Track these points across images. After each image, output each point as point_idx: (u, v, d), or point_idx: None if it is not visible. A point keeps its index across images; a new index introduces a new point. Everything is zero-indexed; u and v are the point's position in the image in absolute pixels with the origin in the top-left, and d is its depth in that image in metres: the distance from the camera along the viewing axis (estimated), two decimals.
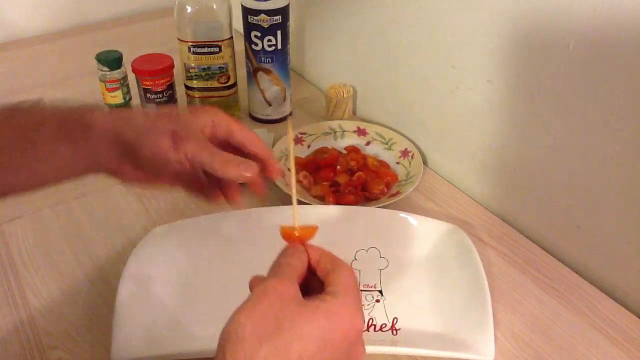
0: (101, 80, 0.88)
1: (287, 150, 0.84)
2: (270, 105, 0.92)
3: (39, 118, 0.49)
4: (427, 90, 0.81)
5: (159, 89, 0.88)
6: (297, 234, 0.46)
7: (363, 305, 0.62)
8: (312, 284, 0.44)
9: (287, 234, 0.47)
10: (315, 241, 0.67)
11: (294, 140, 0.86)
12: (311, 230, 0.47)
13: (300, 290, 0.41)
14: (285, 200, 0.75)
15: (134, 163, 0.50)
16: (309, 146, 0.86)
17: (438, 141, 0.83)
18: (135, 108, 0.51)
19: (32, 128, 0.47)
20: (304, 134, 0.87)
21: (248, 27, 0.86)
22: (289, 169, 0.50)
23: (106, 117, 0.49)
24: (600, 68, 0.58)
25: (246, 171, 0.50)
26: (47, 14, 1.25)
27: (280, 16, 0.85)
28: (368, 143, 0.88)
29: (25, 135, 0.47)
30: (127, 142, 0.48)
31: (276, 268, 0.42)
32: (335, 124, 0.90)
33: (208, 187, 0.55)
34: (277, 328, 0.37)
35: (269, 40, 0.86)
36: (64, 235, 0.72)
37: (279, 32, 0.86)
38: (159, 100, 0.88)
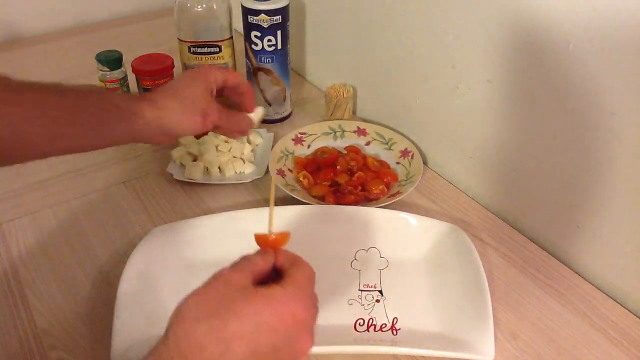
0: (101, 80, 0.88)
1: (286, 150, 0.84)
2: (270, 105, 0.92)
3: (100, 100, 0.60)
4: (427, 90, 0.81)
5: None
6: (272, 238, 0.49)
7: (363, 305, 0.62)
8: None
9: (260, 240, 0.49)
10: (316, 241, 0.67)
11: (294, 140, 0.86)
12: (283, 236, 0.49)
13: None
14: (285, 200, 0.75)
15: (169, 135, 0.63)
16: (309, 146, 0.86)
17: (438, 141, 0.83)
18: (160, 90, 0.64)
19: (103, 108, 0.59)
20: (304, 134, 0.87)
21: (248, 27, 0.86)
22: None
23: (152, 111, 0.60)
24: (600, 68, 0.58)
25: (248, 124, 0.70)
26: (47, 14, 1.25)
27: (280, 16, 0.85)
28: (368, 143, 0.88)
29: (96, 113, 0.58)
30: (170, 127, 0.62)
31: (236, 261, 0.46)
32: (335, 124, 0.90)
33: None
34: (216, 309, 0.40)
35: (269, 40, 0.86)
36: (64, 235, 0.72)
37: (279, 32, 0.86)
38: None
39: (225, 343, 0.39)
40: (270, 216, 0.51)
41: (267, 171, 0.79)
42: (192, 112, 0.63)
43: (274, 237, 0.49)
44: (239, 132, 0.71)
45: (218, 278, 0.43)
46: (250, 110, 0.71)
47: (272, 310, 0.41)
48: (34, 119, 0.55)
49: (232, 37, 0.88)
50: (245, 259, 0.46)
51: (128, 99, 0.62)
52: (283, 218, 0.68)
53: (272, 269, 0.47)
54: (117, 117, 0.59)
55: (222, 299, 0.41)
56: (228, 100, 0.70)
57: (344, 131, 0.89)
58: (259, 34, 0.86)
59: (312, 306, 0.45)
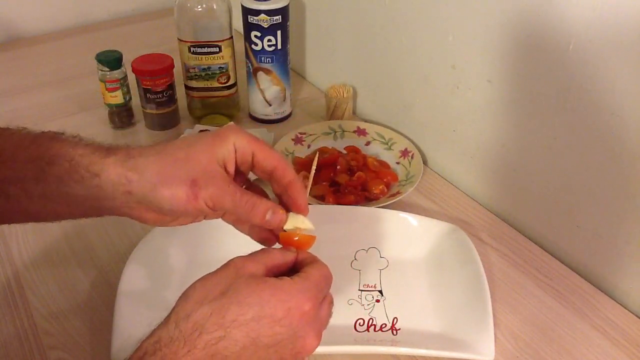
0: (101, 80, 0.88)
1: (286, 150, 0.84)
2: (270, 105, 0.92)
3: (53, 154, 0.45)
4: (427, 90, 0.81)
5: (159, 89, 0.88)
6: (296, 239, 0.49)
7: (363, 305, 0.62)
8: None
9: (285, 238, 0.49)
10: (317, 239, 0.67)
11: (294, 140, 0.86)
12: (308, 238, 0.49)
13: None
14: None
15: (152, 209, 0.46)
16: (309, 146, 0.86)
17: (438, 141, 0.83)
18: (146, 147, 0.46)
19: (46, 162, 0.45)
20: (304, 134, 0.87)
21: (248, 27, 0.86)
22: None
23: (117, 168, 0.44)
24: (600, 68, 0.58)
25: (272, 220, 0.47)
26: (47, 14, 1.25)
27: (280, 16, 0.85)
28: (368, 143, 0.88)
29: (40, 168, 0.45)
30: (142, 195, 0.45)
31: (253, 252, 0.45)
32: (335, 124, 0.90)
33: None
34: (222, 293, 0.40)
35: (269, 40, 0.86)
36: (64, 235, 0.72)
37: (279, 32, 0.86)
38: (159, 100, 0.88)
39: (224, 328, 0.38)
40: (308, 186, 0.52)
41: None
42: (176, 181, 0.44)
43: (297, 238, 0.49)
44: (261, 232, 0.50)
45: (229, 264, 0.42)
46: (296, 209, 0.49)
47: (277, 301, 0.40)
48: None
49: (232, 37, 0.88)
50: (263, 250, 0.45)
51: (91, 149, 0.45)
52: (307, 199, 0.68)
53: (290, 267, 0.46)
54: (64, 173, 0.44)
55: (228, 284, 0.40)
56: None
57: (344, 131, 0.89)
58: (259, 34, 0.86)
59: (324, 305, 0.44)
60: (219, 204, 0.46)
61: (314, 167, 0.56)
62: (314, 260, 0.46)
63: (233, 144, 0.46)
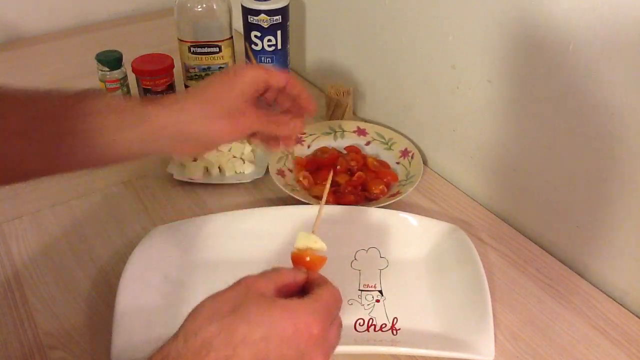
0: (101, 80, 0.88)
1: (287, 151, 0.84)
2: (270, 105, 0.92)
3: (103, 106, 0.53)
4: (427, 90, 0.81)
5: (159, 89, 0.88)
6: (307, 259, 0.48)
7: (363, 305, 0.62)
8: None
9: (296, 259, 0.49)
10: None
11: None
12: (319, 259, 0.49)
13: None
14: (287, 200, 0.75)
15: (196, 144, 0.56)
16: (309, 146, 0.86)
17: (438, 141, 0.83)
18: (182, 92, 0.59)
19: (97, 113, 0.52)
20: (304, 134, 0.87)
21: (248, 27, 0.86)
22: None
23: (160, 112, 0.53)
24: (600, 68, 0.58)
25: (296, 129, 0.59)
26: (47, 14, 1.25)
27: (280, 16, 0.85)
28: (368, 143, 0.88)
29: (91, 120, 0.51)
30: (188, 132, 0.54)
31: (265, 270, 0.44)
32: (335, 124, 0.90)
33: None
34: (231, 312, 0.39)
35: (269, 40, 0.86)
36: (64, 235, 0.72)
37: (279, 32, 0.86)
38: None
39: (232, 347, 0.38)
40: (318, 216, 0.52)
41: (267, 171, 0.79)
42: (218, 115, 0.54)
43: (309, 259, 0.48)
44: (284, 139, 0.60)
45: (241, 282, 0.42)
46: (308, 113, 0.60)
47: (286, 321, 0.40)
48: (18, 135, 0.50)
49: (232, 37, 0.88)
50: (274, 270, 0.45)
51: (135, 102, 0.55)
52: (283, 218, 0.68)
53: (300, 287, 0.45)
54: (119, 122, 0.51)
55: (238, 302, 0.40)
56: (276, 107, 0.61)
57: (344, 131, 0.89)
58: (259, 34, 0.86)
59: (332, 328, 0.43)
60: (253, 128, 0.57)
61: (328, 185, 0.55)
62: (324, 282, 0.45)
63: (250, 76, 0.56)
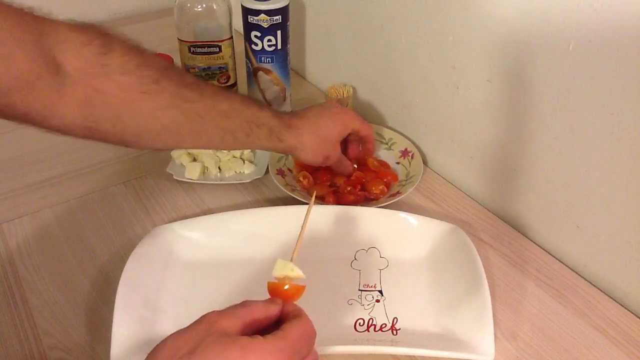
0: None
1: None
2: (270, 105, 0.92)
3: (260, 121, 0.65)
4: (427, 90, 0.81)
5: None
6: (284, 289, 0.47)
7: (363, 305, 0.62)
8: None
9: (273, 289, 0.47)
10: (316, 241, 0.67)
11: None
12: (297, 289, 0.47)
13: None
14: (287, 201, 0.75)
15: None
16: None
17: (438, 141, 0.83)
18: (299, 114, 0.71)
19: (256, 124, 0.64)
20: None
21: (248, 27, 0.86)
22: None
23: (292, 139, 0.68)
24: (600, 68, 0.58)
25: (348, 173, 0.78)
26: (47, 14, 1.24)
27: (280, 16, 0.85)
28: None
29: (250, 128, 0.64)
30: (301, 156, 0.71)
31: (231, 305, 0.43)
32: None
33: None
34: (189, 353, 0.38)
35: (269, 40, 0.86)
36: (64, 235, 0.72)
37: (279, 32, 0.86)
38: None
39: None
40: (297, 243, 0.50)
41: (267, 171, 0.79)
42: (321, 153, 0.70)
43: (287, 288, 0.47)
44: (341, 174, 0.78)
45: (203, 320, 0.41)
46: (367, 153, 0.79)
47: None
48: (195, 118, 0.60)
49: (232, 37, 0.88)
50: (243, 304, 0.43)
51: (279, 121, 0.66)
52: (283, 218, 0.68)
53: (273, 321, 0.44)
54: (264, 136, 0.65)
55: (198, 341, 0.39)
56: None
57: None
58: (259, 34, 0.86)
59: None
60: (331, 163, 0.74)
61: (309, 210, 0.55)
62: (296, 316, 0.43)
63: (352, 125, 0.73)
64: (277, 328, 0.42)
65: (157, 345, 0.39)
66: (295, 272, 0.47)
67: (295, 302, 0.46)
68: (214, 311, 0.41)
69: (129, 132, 0.57)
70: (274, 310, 0.43)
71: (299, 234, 0.52)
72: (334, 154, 0.72)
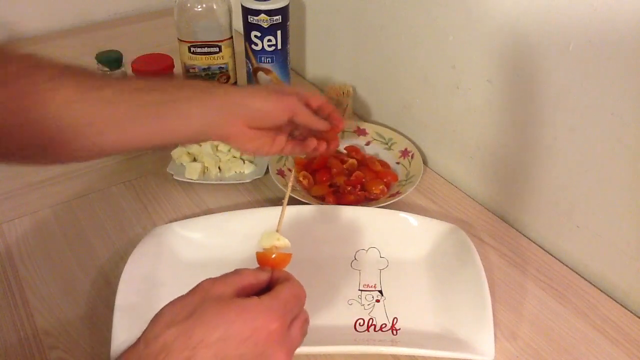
0: None
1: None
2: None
3: (180, 82, 0.60)
4: (427, 90, 0.81)
5: None
6: (272, 257, 0.49)
7: (363, 305, 0.62)
8: None
9: (261, 258, 0.50)
10: (316, 241, 0.67)
11: None
12: (284, 256, 0.50)
13: None
14: (287, 201, 0.75)
15: (246, 121, 0.59)
16: None
17: (438, 141, 0.83)
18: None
19: (176, 87, 0.58)
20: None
21: (248, 27, 0.86)
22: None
23: (228, 87, 0.62)
24: (600, 68, 0.58)
25: (332, 118, 0.63)
26: (47, 14, 1.25)
27: (280, 16, 0.85)
28: (368, 143, 0.88)
29: (171, 92, 0.57)
30: (242, 99, 0.59)
31: (226, 273, 0.45)
32: None
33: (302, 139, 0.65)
34: (189, 316, 0.40)
35: (269, 40, 0.86)
36: (64, 235, 0.72)
37: (279, 32, 0.86)
38: None
39: (191, 349, 0.39)
40: (281, 214, 0.53)
41: (267, 171, 0.79)
42: (267, 93, 0.61)
43: (274, 256, 0.49)
44: (324, 138, 0.64)
45: (199, 286, 0.43)
46: (336, 126, 0.64)
47: (243, 321, 0.40)
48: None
49: (232, 37, 0.88)
50: (234, 272, 0.45)
51: (205, 82, 0.64)
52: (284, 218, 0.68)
53: (263, 286, 0.46)
54: (190, 96, 0.57)
55: (195, 306, 0.41)
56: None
57: (344, 131, 0.89)
58: (259, 34, 0.86)
59: (295, 324, 0.44)
60: (297, 108, 0.60)
61: (290, 183, 0.59)
62: (287, 279, 0.46)
63: (302, 95, 0.62)
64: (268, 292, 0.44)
65: (156, 313, 0.41)
66: (281, 241, 0.50)
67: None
68: (208, 278, 0.43)
69: (42, 137, 0.52)
70: (263, 276, 0.46)
71: (282, 205, 0.55)
72: (292, 96, 0.61)
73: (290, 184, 0.60)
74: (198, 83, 0.61)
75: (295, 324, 0.44)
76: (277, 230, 0.52)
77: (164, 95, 0.56)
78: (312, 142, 0.63)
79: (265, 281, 0.46)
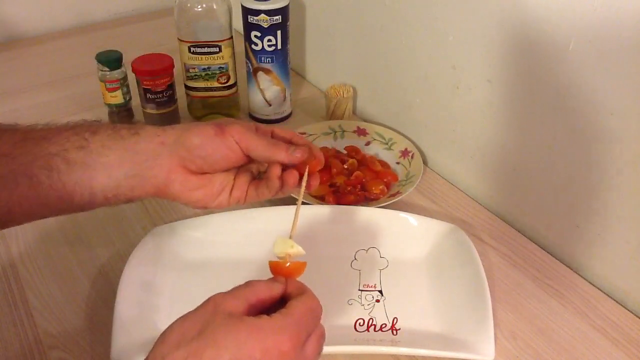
0: (101, 80, 0.88)
1: None
2: (270, 105, 0.92)
3: (96, 127, 0.51)
4: (427, 90, 0.81)
5: (159, 89, 0.88)
6: (286, 266, 0.47)
7: (363, 305, 0.62)
8: None
9: (274, 267, 0.47)
10: (316, 241, 0.67)
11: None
12: (299, 265, 0.47)
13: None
14: (287, 200, 0.75)
15: (184, 163, 0.51)
16: None
17: (438, 141, 0.83)
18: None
19: (90, 132, 0.50)
20: (304, 134, 0.87)
21: (248, 27, 0.86)
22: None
23: (152, 128, 0.51)
24: (600, 68, 0.58)
25: (296, 152, 0.52)
26: (47, 14, 1.25)
27: (280, 16, 0.85)
28: (368, 143, 0.88)
29: (84, 138, 0.49)
30: (174, 140, 0.51)
31: (236, 286, 0.43)
32: (335, 124, 0.90)
33: (265, 178, 0.55)
34: (198, 335, 0.38)
35: (269, 40, 0.86)
36: (64, 235, 0.72)
37: (279, 32, 0.86)
38: (159, 100, 0.88)
39: None
40: (295, 220, 0.50)
41: None
42: (203, 124, 0.52)
43: (288, 265, 0.47)
44: (279, 159, 0.52)
45: (209, 301, 0.41)
46: (316, 159, 0.53)
47: (255, 341, 0.38)
48: None
49: (232, 37, 0.88)
50: (247, 285, 0.43)
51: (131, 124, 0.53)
52: (283, 218, 0.68)
53: (277, 300, 0.44)
54: (107, 139, 0.49)
55: (205, 324, 0.39)
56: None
57: (344, 131, 0.89)
58: (259, 34, 0.86)
59: (310, 342, 0.42)
60: (244, 139, 0.50)
61: (303, 184, 0.53)
62: (301, 293, 0.43)
63: (254, 124, 0.54)
64: (282, 306, 0.42)
65: (165, 330, 0.39)
66: (295, 248, 0.47)
67: (297, 279, 0.47)
68: (219, 293, 0.41)
69: None
70: (277, 289, 0.44)
71: (296, 211, 0.51)
72: (238, 125, 0.52)
73: (303, 187, 0.54)
74: (119, 127, 0.51)
75: (311, 340, 0.42)
76: (290, 237, 0.49)
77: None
78: (290, 177, 0.53)
79: (278, 295, 0.44)
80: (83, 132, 0.50)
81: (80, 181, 0.49)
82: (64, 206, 0.50)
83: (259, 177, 0.57)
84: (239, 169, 0.55)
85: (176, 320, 0.40)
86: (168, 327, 0.40)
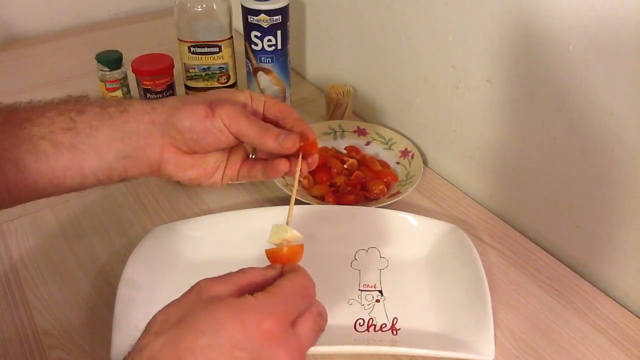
0: (101, 80, 0.88)
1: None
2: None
3: (83, 106, 0.49)
4: (427, 90, 0.81)
5: (159, 89, 0.87)
6: (283, 252, 0.45)
7: (363, 305, 0.62)
8: None
9: (271, 255, 0.45)
10: (316, 241, 0.67)
11: None
12: (295, 250, 0.45)
13: None
14: (285, 200, 0.75)
15: (176, 144, 0.50)
16: None
17: (438, 141, 0.83)
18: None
19: (76, 111, 0.48)
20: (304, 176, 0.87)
21: (248, 27, 0.86)
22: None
23: (142, 104, 0.50)
24: (600, 68, 0.58)
25: (285, 141, 0.49)
26: (47, 14, 1.25)
27: (280, 16, 0.85)
28: (368, 143, 0.88)
29: (70, 118, 0.48)
30: (164, 119, 0.49)
31: (228, 273, 0.40)
32: (335, 124, 0.90)
33: (257, 162, 0.54)
34: (178, 322, 0.36)
35: (269, 40, 0.86)
36: (64, 235, 0.72)
37: (279, 32, 0.86)
38: None
39: (177, 358, 0.34)
40: (290, 207, 0.48)
41: None
42: (194, 101, 0.50)
43: (286, 249, 0.45)
44: (268, 148, 0.50)
45: (194, 287, 0.38)
46: (305, 137, 0.51)
47: (234, 322, 0.35)
48: None
49: (232, 37, 0.88)
50: (238, 271, 0.40)
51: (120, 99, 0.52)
52: (283, 218, 0.68)
53: (272, 283, 0.40)
54: (95, 119, 0.48)
55: (187, 310, 0.36)
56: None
57: (344, 131, 0.89)
58: (259, 34, 0.86)
59: (302, 321, 0.39)
60: (234, 123, 0.49)
61: (297, 170, 0.51)
62: (290, 271, 0.41)
63: (249, 93, 0.52)
64: None
65: (149, 321, 0.37)
66: (290, 233, 0.45)
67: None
68: (206, 278, 0.39)
69: None
70: (272, 272, 0.41)
71: (291, 197, 0.50)
72: (229, 106, 0.50)
73: (297, 175, 0.52)
74: (107, 104, 0.49)
75: (304, 320, 0.39)
76: (287, 223, 0.47)
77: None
78: (281, 165, 0.51)
79: (272, 277, 0.41)
80: (69, 112, 0.48)
81: (71, 165, 0.47)
82: (54, 190, 0.49)
83: (253, 154, 0.55)
84: (232, 148, 0.54)
85: (159, 310, 0.38)
86: (153, 317, 0.37)
